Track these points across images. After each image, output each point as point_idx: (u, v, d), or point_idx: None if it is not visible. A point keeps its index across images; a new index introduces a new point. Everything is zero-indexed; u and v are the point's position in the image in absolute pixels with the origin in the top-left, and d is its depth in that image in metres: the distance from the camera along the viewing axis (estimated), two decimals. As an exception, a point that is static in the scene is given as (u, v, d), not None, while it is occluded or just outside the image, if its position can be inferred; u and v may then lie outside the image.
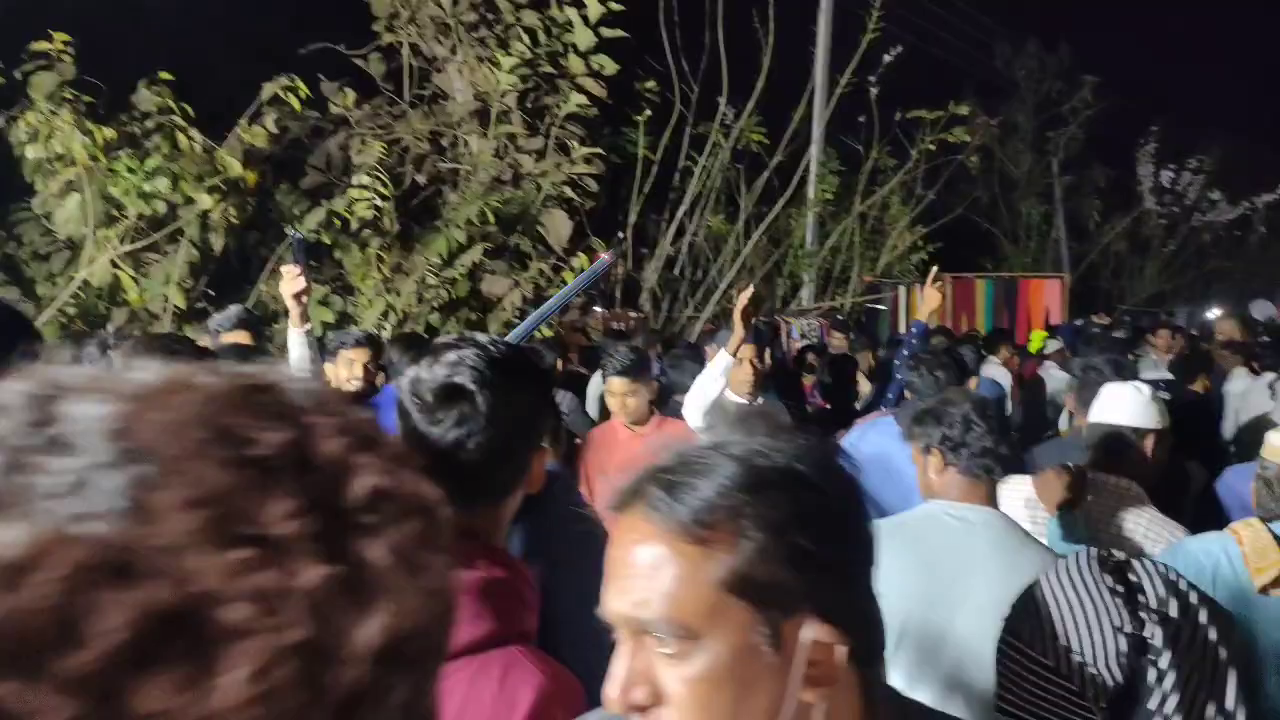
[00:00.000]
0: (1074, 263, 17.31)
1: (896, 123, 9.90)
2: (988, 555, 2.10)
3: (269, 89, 5.66)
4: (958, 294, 11.54)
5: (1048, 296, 11.75)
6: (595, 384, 6.11)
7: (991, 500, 2.25)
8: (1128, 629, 1.16)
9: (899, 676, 2.05)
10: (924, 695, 2.09)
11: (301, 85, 5.73)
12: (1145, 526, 2.75)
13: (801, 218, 10.27)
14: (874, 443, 3.47)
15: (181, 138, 5.51)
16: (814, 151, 10.22)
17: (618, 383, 3.59)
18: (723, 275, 9.24)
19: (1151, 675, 1.13)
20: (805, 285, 10.59)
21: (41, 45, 5.13)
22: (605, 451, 3.62)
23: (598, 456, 3.59)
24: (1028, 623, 1.11)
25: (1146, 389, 3.19)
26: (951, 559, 2.11)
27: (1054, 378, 5.95)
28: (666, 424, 3.69)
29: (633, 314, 9.13)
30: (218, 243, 5.73)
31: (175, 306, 5.52)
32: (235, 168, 5.56)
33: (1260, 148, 18.88)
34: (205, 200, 5.53)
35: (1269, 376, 5.75)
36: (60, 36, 5.15)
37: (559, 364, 5.89)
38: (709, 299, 9.19)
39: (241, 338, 3.44)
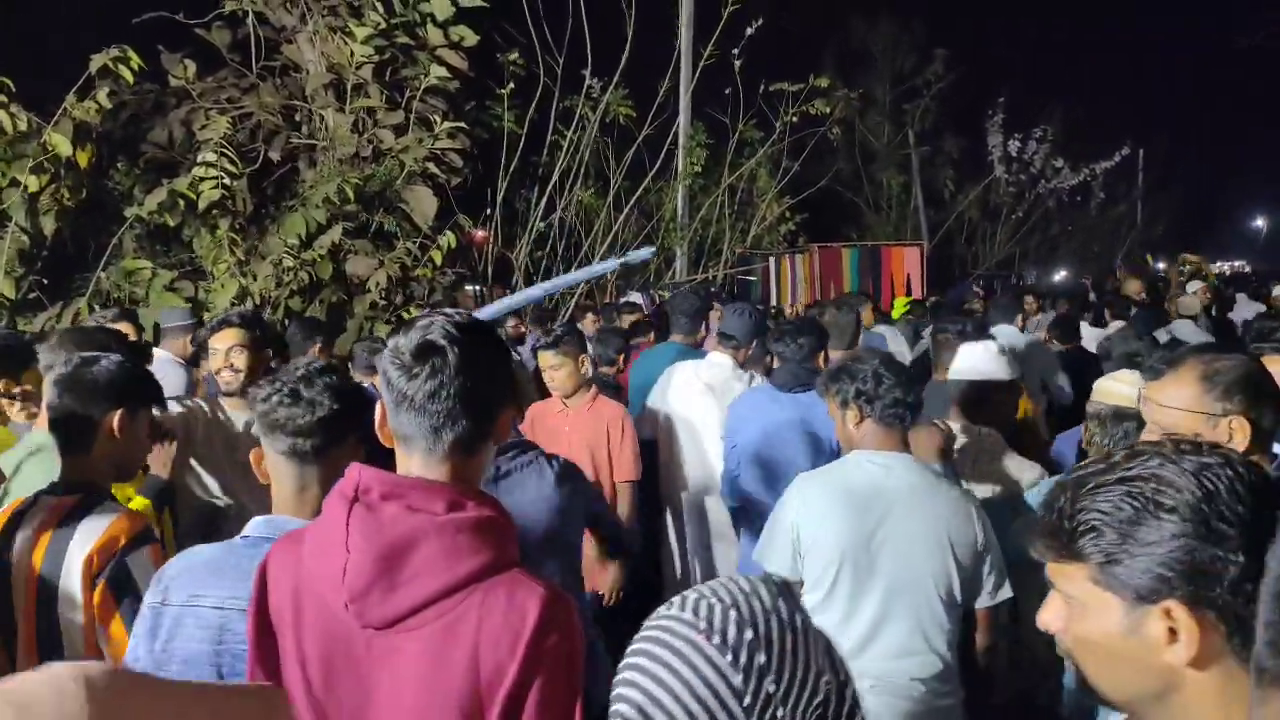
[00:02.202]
0: (931, 230, 18.07)
1: (760, 95, 10.03)
2: (908, 495, 2.35)
3: (98, 60, 5.25)
4: (824, 263, 11.88)
5: (908, 263, 12.24)
6: None
7: (905, 446, 2.47)
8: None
9: (839, 605, 2.34)
10: (862, 618, 2.33)
11: (135, 56, 5.35)
12: (1009, 468, 2.97)
13: (672, 191, 10.32)
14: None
15: (3, 115, 5.08)
16: (681, 124, 10.27)
17: (546, 356, 3.61)
18: (595, 250, 9.20)
19: None
20: (678, 258, 10.67)
21: None
22: (539, 426, 3.72)
23: (534, 431, 3.62)
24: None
25: (995, 345, 3.39)
26: (878, 500, 2.35)
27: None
28: (600, 401, 3.70)
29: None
30: (49, 227, 5.31)
31: (4, 297, 5.11)
32: (64, 146, 5.15)
33: (1100, 116, 20.11)
34: (32, 183, 5.12)
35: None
36: None
37: None
38: (582, 274, 9.15)
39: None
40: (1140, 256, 20.94)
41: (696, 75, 10.20)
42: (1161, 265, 19.03)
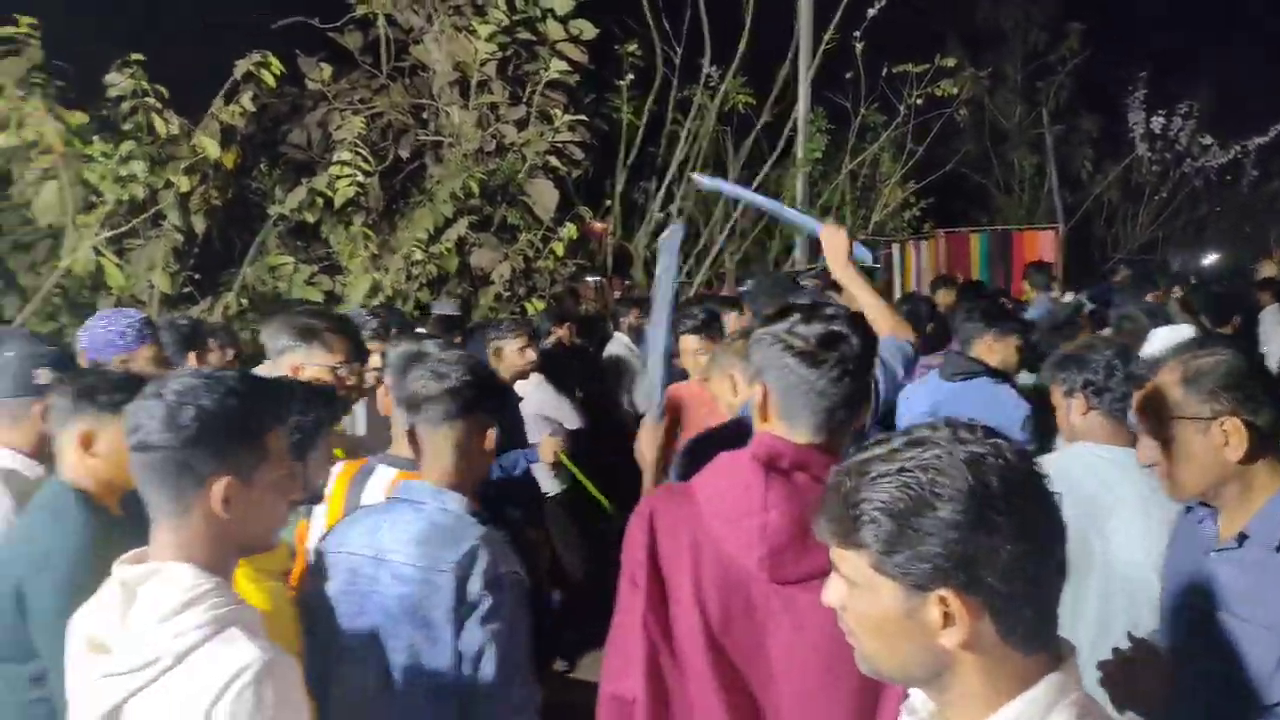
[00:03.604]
0: (1067, 213, 17.22)
1: (883, 78, 9.78)
2: (1134, 491, 2.24)
3: (241, 66, 5.54)
4: (952, 249, 11.48)
5: (1042, 248, 11.68)
6: (613, 349, 6.06)
7: (1132, 441, 2.30)
8: None
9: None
10: (1085, 620, 2.23)
11: (275, 61, 5.61)
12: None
13: (791, 178, 10.17)
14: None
15: (157, 120, 5.41)
16: (801, 110, 10.10)
17: (690, 340, 3.65)
18: (714, 239, 9.16)
19: None
20: (798, 246, 10.51)
21: (5, 30, 5.02)
22: (693, 410, 3.55)
23: (695, 414, 3.49)
24: None
25: (1186, 329, 3.23)
26: (1105, 495, 2.26)
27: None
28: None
29: (626, 282, 9.07)
30: (199, 225, 5.64)
31: (162, 291, 5.45)
32: (212, 149, 5.45)
33: (1252, 89, 18.73)
34: (183, 183, 5.43)
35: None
36: (25, 20, 5.03)
37: (564, 334, 5.83)
38: (701, 264, 9.12)
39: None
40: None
41: (817, 60, 10.00)
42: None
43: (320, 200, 6.00)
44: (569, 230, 6.81)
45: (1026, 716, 0.99)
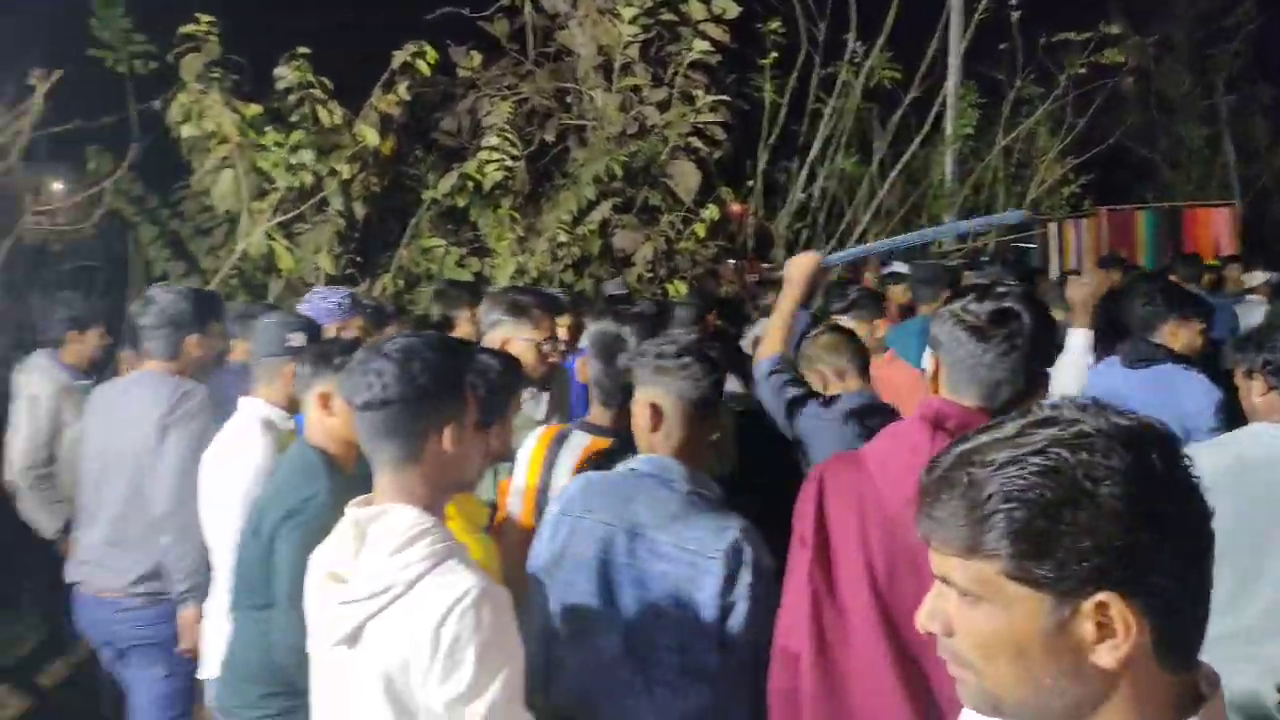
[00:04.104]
0: (1244, 188, 15.95)
1: (1041, 48, 9.30)
2: None
3: (399, 56, 5.76)
4: (1115, 227, 10.82)
5: (1216, 226, 10.85)
6: (755, 332, 6.02)
7: None
8: None
9: (1222, 589, 2.02)
10: (1250, 611, 2.08)
11: (431, 50, 5.81)
12: None
13: (940, 155, 9.80)
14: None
15: (321, 110, 5.69)
16: (951, 85, 9.71)
17: (843, 321, 3.74)
18: (859, 220, 8.93)
19: None
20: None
21: (189, 28, 5.37)
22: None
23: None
24: None
25: None
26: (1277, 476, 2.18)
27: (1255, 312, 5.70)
28: (894, 366, 3.73)
29: (765, 265, 8.96)
30: (360, 210, 5.91)
31: (326, 273, 5.74)
32: (372, 137, 5.69)
33: None
34: (346, 171, 5.70)
35: None
36: (205, 18, 5.37)
37: (707, 318, 5.81)
38: (844, 245, 8.92)
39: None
40: None
41: (970, 32, 9.59)
42: None
43: (470, 184, 6.18)
44: (710, 211, 6.78)
45: None
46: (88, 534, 3.21)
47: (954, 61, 9.79)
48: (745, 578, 1.80)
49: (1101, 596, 0.80)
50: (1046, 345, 1.62)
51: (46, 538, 4.01)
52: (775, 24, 8.07)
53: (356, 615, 1.50)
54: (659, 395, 1.94)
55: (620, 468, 1.99)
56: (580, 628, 1.93)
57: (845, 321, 3.66)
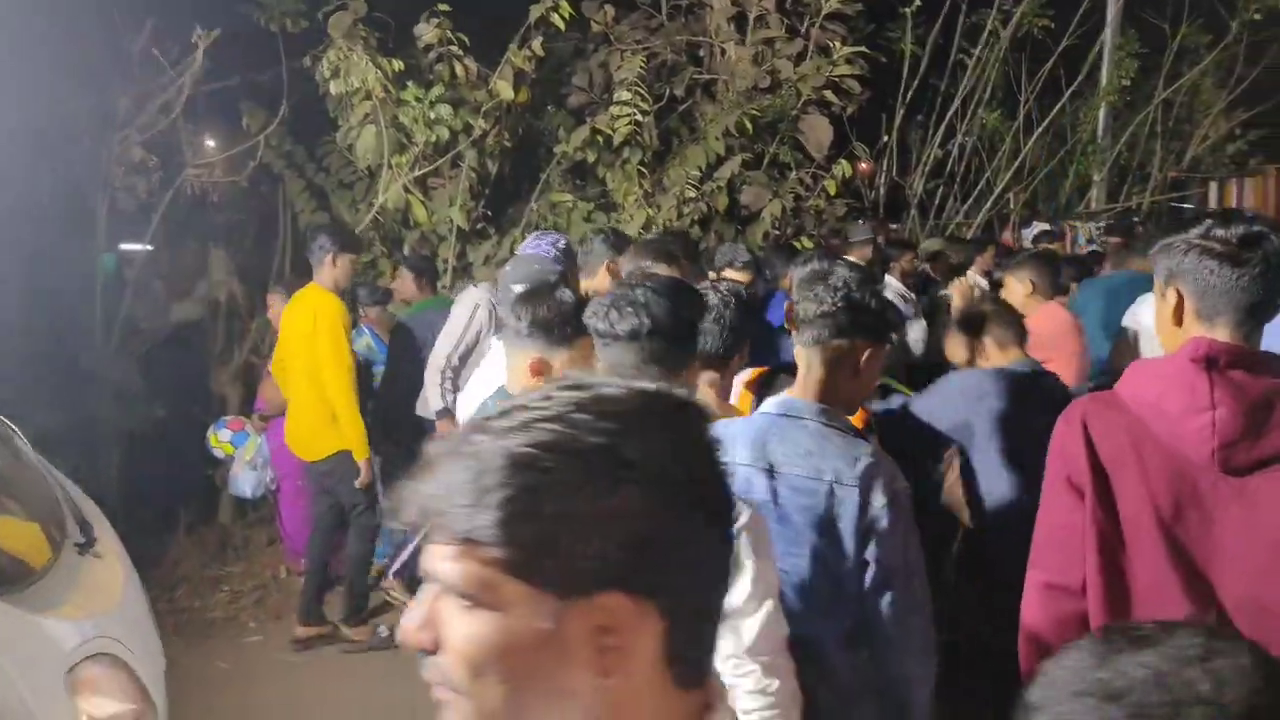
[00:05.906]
0: None
1: (1212, -9, 8.59)
2: None
3: (535, 11, 5.81)
4: (1284, 187, 10.01)
5: (1403, 187, 9.90)
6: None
7: None
8: None
9: None
10: None
11: (565, 4, 5.84)
12: None
13: (1092, 110, 9.22)
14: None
15: (459, 66, 5.81)
16: (1108, 33, 9.10)
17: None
18: (999, 178, 8.54)
19: None
20: (1095, 185, 9.57)
21: (336, -12, 5.56)
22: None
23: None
24: None
25: None
26: None
27: None
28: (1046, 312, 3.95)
29: (894, 226, 8.68)
30: (493, 165, 6.03)
31: (459, 227, 5.91)
32: (508, 92, 5.79)
33: None
34: (481, 125, 5.82)
35: None
36: (353, -24, 5.55)
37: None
38: (980, 206, 8.56)
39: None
40: None
41: (1132, -26, 8.94)
42: None
43: (600, 139, 6.22)
44: (842, 167, 6.61)
45: None
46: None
47: (1113, 7, 9.16)
48: (878, 500, 1.88)
49: (608, 598, 0.68)
50: None
51: None
52: (919, -30, 7.72)
53: None
54: (800, 343, 2.04)
55: (754, 413, 2.10)
56: None
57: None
